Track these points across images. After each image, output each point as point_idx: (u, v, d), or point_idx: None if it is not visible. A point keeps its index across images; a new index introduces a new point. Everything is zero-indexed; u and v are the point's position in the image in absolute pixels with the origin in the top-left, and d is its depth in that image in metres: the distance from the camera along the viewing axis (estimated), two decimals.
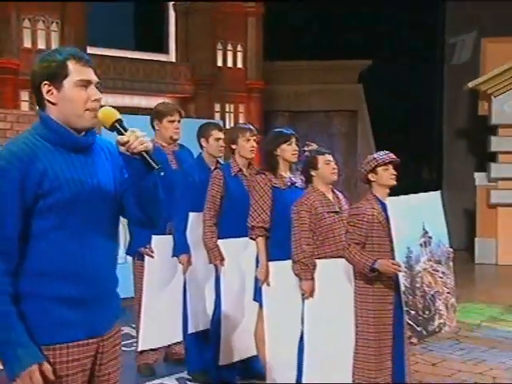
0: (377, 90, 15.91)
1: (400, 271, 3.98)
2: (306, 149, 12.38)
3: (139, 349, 5.19)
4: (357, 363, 4.22)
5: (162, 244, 5.01)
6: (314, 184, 4.48)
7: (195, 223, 4.88)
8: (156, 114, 5.30)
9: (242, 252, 4.73)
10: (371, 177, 4.31)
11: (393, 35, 15.88)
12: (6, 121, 6.73)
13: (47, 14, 11.44)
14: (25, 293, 2.22)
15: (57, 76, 2.26)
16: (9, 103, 11.05)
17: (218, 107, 12.98)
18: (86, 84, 2.28)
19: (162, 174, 2.37)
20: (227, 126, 13.20)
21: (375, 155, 4.40)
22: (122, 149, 2.28)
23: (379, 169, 4.29)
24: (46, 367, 2.15)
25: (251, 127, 5.00)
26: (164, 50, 13.04)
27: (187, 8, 12.96)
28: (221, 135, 5.04)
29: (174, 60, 13.06)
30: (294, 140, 4.74)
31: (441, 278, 4.27)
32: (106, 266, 2.40)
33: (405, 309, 4.00)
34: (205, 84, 12.85)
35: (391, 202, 4.10)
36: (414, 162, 15.69)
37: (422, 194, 4.48)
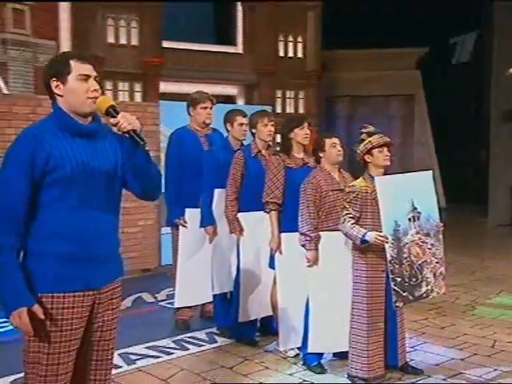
0: (433, 76, 15.69)
1: (386, 242, 4.08)
2: (363, 130, 12.50)
3: (175, 306, 5.49)
4: (352, 323, 4.34)
5: (193, 216, 5.23)
6: (322, 164, 4.60)
7: (220, 198, 5.06)
8: (191, 102, 5.51)
9: (258, 224, 4.85)
10: (367, 158, 4.39)
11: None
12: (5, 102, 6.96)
13: (128, 13, 11.80)
14: (32, 250, 2.50)
15: (62, 73, 2.55)
16: None
17: (279, 93, 13.09)
18: (85, 78, 2.54)
19: (147, 148, 2.60)
20: (287, 111, 13.38)
21: (370, 138, 4.51)
22: (115, 129, 2.56)
23: (374, 151, 4.37)
24: (37, 309, 2.41)
25: (269, 113, 5.13)
26: (232, 42, 13.23)
27: (253, 4, 13.11)
28: (244, 120, 5.14)
29: (241, 51, 13.23)
30: (306, 124, 4.82)
31: (429, 249, 4.30)
32: (103, 233, 2.62)
33: (390, 276, 4.12)
34: (267, 73, 12.96)
35: (380, 181, 4.19)
36: (465, 142, 15.43)
37: (411, 174, 4.51)
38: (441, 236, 4.38)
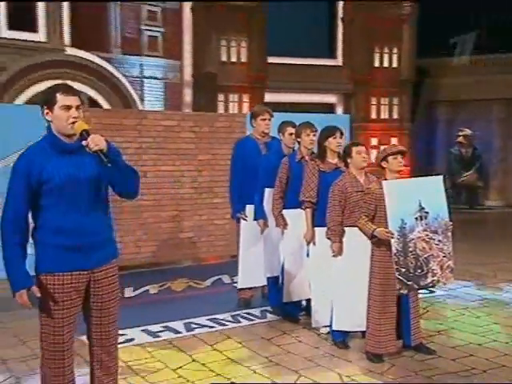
0: None
1: (392, 238, 4.29)
2: (459, 133, 12.72)
3: (238, 287, 5.88)
4: (368, 305, 4.54)
5: (251, 211, 5.67)
6: (349, 169, 4.83)
7: (270, 197, 5.40)
8: (252, 114, 5.90)
9: (299, 219, 5.08)
10: (383, 164, 4.59)
11: None
12: (173, 119, 7.75)
13: (238, 35, 12.36)
14: (39, 240, 2.98)
15: (50, 103, 2.92)
16: (208, 104, 12.16)
17: (374, 101, 13.09)
18: (67, 107, 2.90)
19: (109, 165, 2.85)
20: (381, 117, 13.36)
21: (386, 147, 4.69)
22: (87, 149, 2.86)
23: (389, 158, 4.56)
24: (34, 289, 2.87)
25: (311, 125, 5.36)
26: (332, 56, 13.43)
27: (352, 19, 13.24)
28: (292, 131, 5.39)
29: (340, 64, 13.39)
30: (338, 134, 5.02)
31: (437, 244, 4.39)
32: (90, 227, 3.00)
33: (395, 267, 4.30)
34: (363, 82, 13.02)
35: (387, 184, 4.38)
36: None
37: (421, 178, 4.65)
38: (450, 233, 4.46)
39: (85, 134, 2.87)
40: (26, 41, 11.19)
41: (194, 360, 4.41)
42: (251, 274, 5.75)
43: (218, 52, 12.21)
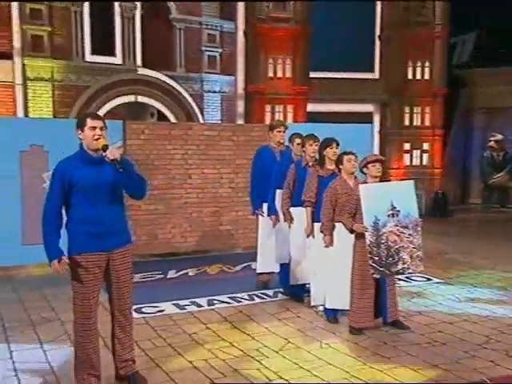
0: None
1: (366, 231, 4.70)
2: (491, 138, 13.07)
3: (257, 271, 6.34)
4: (350, 287, 4.93)
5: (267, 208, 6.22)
6: (341, 174, 5.19)
7: (280, 196, 5.94)
8: (269, 127, 6.38)
9: (303, 216, 5.47)
10: (365, 170, 4.98)
11: None
12: (214, 130, 8.23)
13: (284, 53, 12.76)
14: (70, 229, 3.59)
15: (82, 125, 3.58)
16: (257, 114, 12.82)
17: (407, 109, 13.23)
18: (93, 128, 3.53)
19: (122, 171, 3.48)
20: (414, 124, 13.49)
21: (367, 156, 5.08)
22: (106, 159, 3.50)
23: (369, 165, 4.94)
24: (64, 259, 3.47)
25: (314, 137, 5.74)
26: (370, 70, 13.68)
27: (388, 36, 13.45)
28: (300, 141, 5.88)
29: (377, 77, 13.61)
30: (334, 145, 5.32)
31: (407, 237, 4.75)
32: (110, 219, 3.60)
33: (368, 256, 4.72)
34: (397, 93, 13.20)
35: (362, 187, 4.77)
36: None
37: (394, 182, 5.05)
38: (419, 228, 4.81)
39: (105, 148, 3.49)
40: (105, 63, 12.06)
41: (207, 328, 4.98)
42: (268, 261, 6.18)
43: (265, 69, 12.71)
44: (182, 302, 5.72)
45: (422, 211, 13.37)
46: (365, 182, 4.92)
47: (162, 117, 12.94)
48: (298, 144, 5.91)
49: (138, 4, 12.24)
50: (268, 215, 6.05)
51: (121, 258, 3.70)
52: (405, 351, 4.40)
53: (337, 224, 5.10)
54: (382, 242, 4.71)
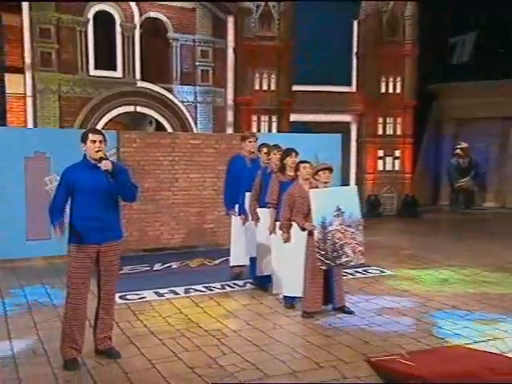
0: None
1: (314, 229, 5.11)
2: (457, 146, 13.61)
3: (230, 264, 6.71)
4: (304, 276, 5.36)
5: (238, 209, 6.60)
6: (298, 179, 5.52)
7: (249, 198, 6.35)
8: (241, 138, 6.79)
9: (268, 215, 5.85)
10: (316, 177, 5.39)
11: None
12: (199, 139, 8.69)
13: (269, 68, 13.04)
14: (71, 224, 3.96)
15: (84, 140, 4.02)
16: (245, 124, 13.20)
17: (381, 120, 13.62)
18: (94, 141, 3.96)
19: (112, 181, 3.91)
20: (387, 133, 13.88)
21: (318, 165, 5.49)
22: (102, 169, 3.96)
23: (320, 172, 5.35)
24: (64, 223, 3.91)
25: (278, 147, 6.05)
26: (348, 84, 14.06)
27: (364, 54, 13.85)
28: (266, 150, 6.25)
29: (354, 90, 14.00)
30: (293, 154, 5.69)
31: (350, 235, 5.16)
32: (106, 216, 4.01)
33: (316, 250, 5.12)
34: (372, 105, 13.58)
35: (312, 192, 5.18)
36: None
37: (340, 188, 5.45)
38: (361, 227, 5.21)
39: (101, 160, 3.93)
40: (107, 77, 12.40)
41: (180, 312, 5.37)
42: (240, 255, 6.57)
43: (252, 82, 13.05)
44: (161, 291, 6.12)
45: (394, 212, 13.85)
46: (316, 187, 5.34)
47: (159, 125, 13.31)
48: (265, 153, 6.30)
49: (138, 24, 12.61)
50: (239, 215, 6.46)
51: (111, 251, 4.10)
52: (345, 331, 4.81)
53: (294, 223, 5.51)
54: (329, 238, 5.11)
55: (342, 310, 5.38)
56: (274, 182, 5.86)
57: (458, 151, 14.63)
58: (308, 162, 5.66)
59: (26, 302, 5.68)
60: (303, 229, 5.26)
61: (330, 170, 5.35)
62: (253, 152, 6.58)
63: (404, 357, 4.05)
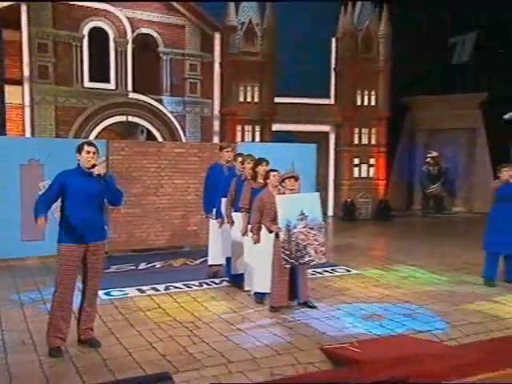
0: (492, 114, 15.26)
1: (280, 231, 5.38)
2: (428, 155, 13.94)
3: (208, 264, 6.96)
4: (272, 275, 5.59)
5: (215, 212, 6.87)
6: (268, 186, 5.76)
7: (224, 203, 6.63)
8: (219, 148, 7.10)
9: (241, 219, 6.18)
10: (283, 184, 5.66)
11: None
12: (183, 148, 9.01)
13: (253, 82, 13.36)
14: (62, 224, 4.19)
15: (80, 151, 4.27)
16: (230, 133, 13.48)
17: (357, 130, 13.98)
18: (88, 152, 4.23)
19: (104, 182, 4.19)
20: (363, 142, 14.23)
21: (284, 173, 5.77)
22: (94, 174, 4.23)
23: (286, 180, 5.62)
24: (47, 218, 4.08)
25: (252, 156, 6.32)
26: (327, 96, 14.38)
27: (341, 69, 14.20)
28: (240, 160, 6.57)
29: (332, 103, 14.33)
30: (264, 163, 5.97)
31: (313, 236, 5.42)
32: (93, 218, 4.24)
33: (281, 250, 5.40)
34: (349, 116, 13.92)
35: (278, 198, 5.45)
36: None
37: (303, 194, 5.69)
38: (323, 230, 5.51)
39: (93, 166, 4.22)
40: (101, 89, 12.64)
41: (159, 307, 5.62)
42: (217, 255, 6.82)
43: (237, 94, 13.35)
44: (144, 288, 6.36)
45: (369, 216, 14.17)
46: (283, 193, 5.62)
47: (150, 134, 13.56)
48: (240, 162, 6.54)
49: (130, 39, 12.88)
50: (215, 218, 6.73)
51: (96, 250, 4.35)
52: (305, 323, 5.09)
53: (263, 226, 5.78)
54: (293, 239, 5.38)
55: (306, 304, 5.65)
56: (247, 189, 6.13)
57: (428, 160, 14.98)
58: (276, 171, 5.95)
59: (19, 297, 5.91)
60: (270, 231, 5.53)
61: (295, 178, 5.63)
62: (229, 161, 6.85)
63: (353, 345, 4.34)
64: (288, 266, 5.41)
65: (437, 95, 15.62)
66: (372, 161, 14.17)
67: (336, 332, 4.82)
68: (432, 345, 4.34)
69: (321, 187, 13.97)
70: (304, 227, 5.42)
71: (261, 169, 6.06)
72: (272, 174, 5.81)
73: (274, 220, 5.53)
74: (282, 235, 5.37)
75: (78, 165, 4.32)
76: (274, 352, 4.30)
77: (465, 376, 3.73)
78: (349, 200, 13.90)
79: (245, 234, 6.09)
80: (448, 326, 4.98)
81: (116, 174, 8.21)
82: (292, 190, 5.61)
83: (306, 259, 5.45)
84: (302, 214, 5.43)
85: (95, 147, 4.35)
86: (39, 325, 4.84)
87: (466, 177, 15.82)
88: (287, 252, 5.37)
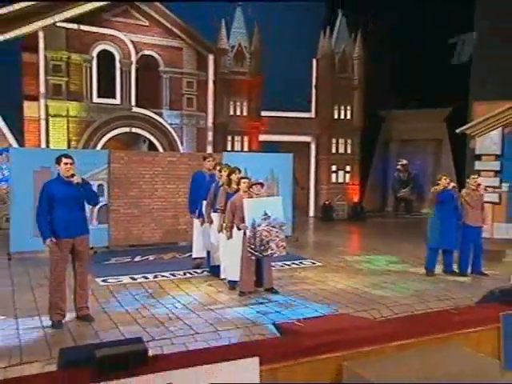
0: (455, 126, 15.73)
1: (247, 229, 5.96)
2: (398, 162, 14.67)
3: (192, 256, 7.52)
4: (241, 266, 6.22)
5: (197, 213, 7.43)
6: (240, 192, 6.37)
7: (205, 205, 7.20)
8: (202, 158, 7.66)
9: (218, 218, 6.82)
10: (251, 189, 6.20)
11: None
12: (175, 157, 9.62)
13: (242, 97, 13.99)
14: (51, 223, 4.75)
15: (58, 162, 4.78)
16: (222, 143, 14.00)
17: (334, 141, 14.58)
18: (66, 163, 4.72)
19: (82, 189, 4.76)
20: (340, 151, 14.79)
21: (252, 180, 6.35)
22: (73, 182, 4.76)
23: (253, 186, 6.17)
24: (52, 239, 4.67)
25: (226, 165, 7.03)
26: (307, 110, 14.98)
27: (321, 86, 14.80)
28: (218, 168, 7.18)
29: (313, 116, 14.93)
30: (237, 171, 6.59)
31: (275, 233, 5.98)
32: (75, 217, 4.78)
33: (247, 244, 5.97)
34: (327, 128, 14.50)
35: (245, 201, 6.01)
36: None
37: (268, 198, 6.26)
38: (284, 227, 6.09)
39: (72, 176, 4.74)
40: (107, 104, 13.23)
41: (147, 292, 6.19)
42: (200, 249, 7.35)
43: (228, 108, 13.97)
44: (136, 276, 6.92)
45: (345, 217, 14.73)
46: (251, 197, 6.19)
47: (151, 144, 14.13)
48: (219, 170, 7.11)
49: (134, 60, 13.47)
50: (197, 217, 7.29)
51: (82, 242, 4.91)
52: (265, 305, 5.65)
53: (235, 224, 6.36)
54: (257, 236, 5.94)
55: (271, 290, 6.20)
56: (222, 193, 6.68)
57: (399, 167, 15.56)
58: (247, 178, 6.53)
59: (30, 282, 6.49)
60: (239, 228, 6.10)
61: (261, 184, 6.21)
62: (210, 169, 7.40)
63: (300, 321, 4.89)
64: (253, 257, 5.98)
65: (407, 109, 16.19)
66: (348, 168, 14.76)
67: (289, 311, 5.38)
68: (362, 320, 4.89)
69: (303, 190, 14.57)
70: (267, 225, 5.99)
71: (234, 176, 6.60)
72: (243, 181, 6.36)
73: (243, 219, 6.10)
74: (248, 232, 5.93)
75: (58, 174, 4.82)
76: (234, 325, 4.87)
77: (384, 343, 4.29)
78: (327, 202, 14.46)
79: (220, 231, 6.64)
80: (384, 306, 5.55)
81: (116, 179, 8.84)
82: (258, 194, 6.18)
83: (269, 252, 6.01)
84: (266, 214, 5.99)
85: (71, 159, 4.85)
86: (45, 304, 5.39)
87: (433, 182, 16.35)
88: (252, 246, 5.93)
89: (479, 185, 7.44)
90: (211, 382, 3.18)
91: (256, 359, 3.29)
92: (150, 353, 2.80)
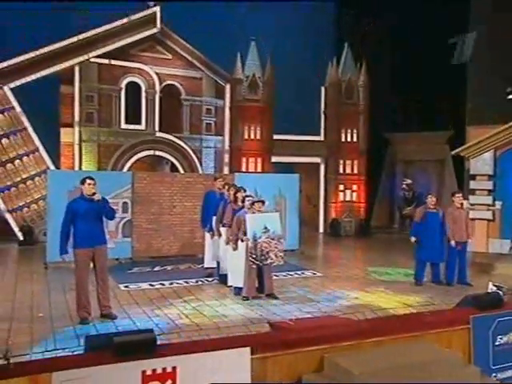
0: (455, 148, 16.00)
1: (248, 241, 6.53)
2: (403, 182, 15.39)
3: (204, 266, 8.07)
4: (244, 274, 6.79)
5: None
6: (244, 208, 7.06)
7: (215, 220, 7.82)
8: (214, 178, 8.32)
9: (225, 232, 7.36)
10: (253, 206, 6.83)
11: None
12: (191, 177, 10.32)
13: (255, 123, 14.66)
14: (74, 234, 5.43)
15: (83, 183, 5.47)
16: (237, 164, 14.76)
17: (341, 162, 15.14)
18: (89, 184, 5.42)
19: (101, 203, 5.46)
20: (346, 172, 15.31)
21: (255, 199, 6.95)
22: (94, 199, 5.48)
23: (255, 203, 6.74)
24: (67, 255, 5.38)
25: (234, 185, 7.67)
26: (317, 134, 15.59)
27: (329, 111, 15.43)
28: (227, 187, 7.83)
29: (322, 139, 15.54)
30: (242, 191, 7.13)
31: (274, 245, 6.55)
32: (96, 229, 5.43)
33: (249, 255, 6.55)
34: (335, 150, 15.08)
35: (248, 216, 6.61)
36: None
37: (267, 213, 6.85)
38: (282, 240, 6.66)
39: (94, 194, 5.44)
40: (134, 129, 14.09)
41: (162, 296, 6.81)
42: (211, 259, 7.94)
43: (243, 133, 14.70)
44: (153, 283, 7.53)
45: (352, 233, 15.15)
46: (253, 213, 6.79)
47: (173, 165, 14.89)
48: (227, 189, 7.78)
49: (158, 89, 14.35)
50: (208, 231, 7.92)
51: (100, 252, 5.55)
52: (265, 307, 6.20)
53: (239, 237, 6.94)
54: (258, 247, 6.52)
55: (271, 295, 6.74)
56: (229, 209, 7.29)
57: (404, 186, 15.90)
58: (251, 196, 7.14)
59: (63, 288, 7.20)
60: (242, 240, 6.69)
61: (262, 202, 6.81)
62: (220, 188, 8.05)
63: (291, 320, 5.43)
64: (254, 266, 6.55)
65: (412, 132, 16.62)
66: (354, 187, 15.25)
67: (284, 313, 5.92)
68: (344, 320, 5.40)
69: (314, 208, 15.10)
70: (267, 238, 6.56)
71: (239, 195, 7.23)
72: (247, 198, 6.98)
73: (246, 233, 6.69)
74: (249, 244, 6.52)
75: (82, 192, 5.50)
76: (232, 323, 5.44)
77: (362, 339, 4.80)
78: (335, 219, 14.93)
79: (227, 243, 7.25)
80: (369, 310, 6.03)
81: (139, 197, 9.58)
82: (259, 210, 6.78)
83: (269, 261, 6.58)
84: (266, 228, 6.57)
85: (94, 180, 5.52)
86: (74, 306, 6.10)
87: (436, 201, 16.63)
88: (254, 256, 6.51)
89: (462, 203, 7.88)
90: (209, 366, 3.79)
91: (248, 349, 3.89)
92: (159, 342, 3.42)
